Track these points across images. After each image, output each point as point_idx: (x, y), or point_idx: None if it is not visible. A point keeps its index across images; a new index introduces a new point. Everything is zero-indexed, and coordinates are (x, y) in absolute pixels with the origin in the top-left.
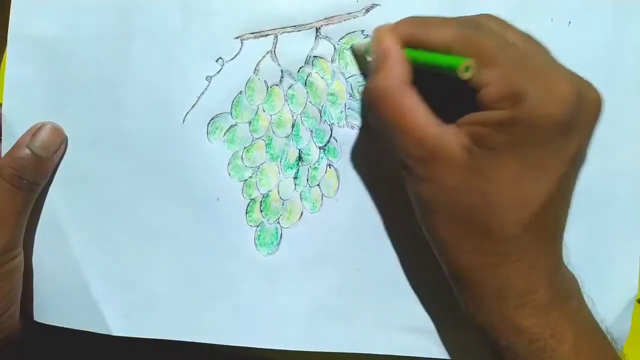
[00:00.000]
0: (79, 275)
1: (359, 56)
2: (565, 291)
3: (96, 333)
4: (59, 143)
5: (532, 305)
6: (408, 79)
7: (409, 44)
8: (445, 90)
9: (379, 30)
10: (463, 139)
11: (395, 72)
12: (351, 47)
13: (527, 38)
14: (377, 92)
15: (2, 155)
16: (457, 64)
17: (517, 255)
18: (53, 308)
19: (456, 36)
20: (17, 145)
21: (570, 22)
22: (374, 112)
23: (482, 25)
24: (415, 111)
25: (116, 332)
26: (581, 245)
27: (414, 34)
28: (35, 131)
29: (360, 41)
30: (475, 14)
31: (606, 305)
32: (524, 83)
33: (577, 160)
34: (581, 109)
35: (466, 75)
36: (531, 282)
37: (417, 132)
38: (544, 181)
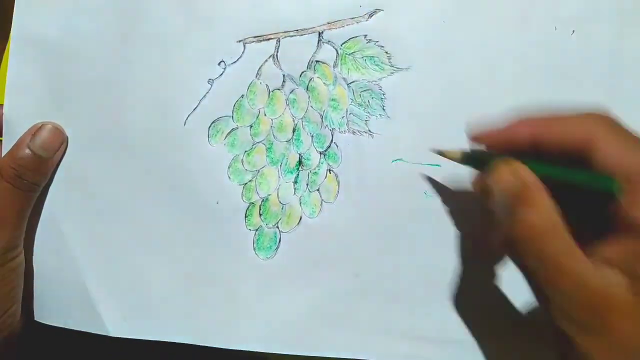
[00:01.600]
0: (78, 276)
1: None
2: None
3: (95, 334)
4: (60, 143)
5: None
6: (559, 219)
7: (534, 144)
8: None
9: (507, 162)
10: (623, 279)
11: (552, 208)
12: (438, 151)
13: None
14: (536, 230)
15: (3, 155)
16: (608, 184)
17: None
18: (53, 308)
19: (599, 134)
20: (17, 145)
21: (574, 31)
22: (526, 253)
23: (614, 123)
24: (573, 256)
25: (114, 333)
26: None
27: (544, 132)
28: (35, 131)
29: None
30: (478, 20)
31: None
32: None
33: None
34: None
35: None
36: None
37: (579, 277)
38: None
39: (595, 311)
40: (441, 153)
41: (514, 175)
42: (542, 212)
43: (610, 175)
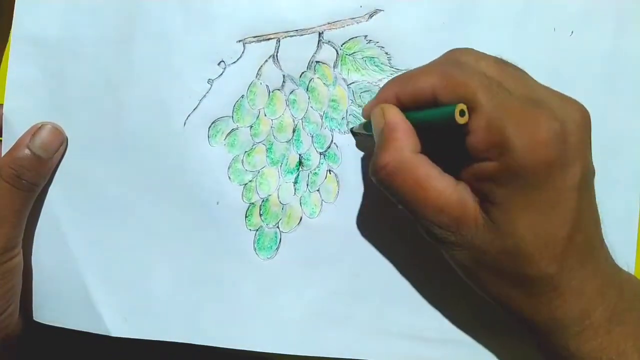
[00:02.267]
0: (78, 276)
1: (361, 134)
2: (627, 302)
3: (95, 334)
4: (59, 144)
5: (591, 328)
6: (419, 149)
7: (401, 102)
8: (440, 141)
9: (378, 107)
10: (473, 198)
11: (408, 144)
12: (351, 130)
13: (502, 66)
14: (391, 166)
15: (2, 155)
16: (452, 111)
17: (563, 287)
18: (53, 308)
19: (441, 80)
20: (17, 145)
21: (572, 32)
22: (388, 187)
23: (462, 63)
24: (433, 178)
25: (115, 333)
26: None
27: (402, 91)
28: (35, 131)
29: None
30: (478, 21)
31: None
32: (507, 129)
33: (583, 181)
34: (569, 139)
35: (463, 120)
36: (584, 307)
37: (439, 200)
38: (560, 215)
39: (454, 218)
40: (352, 131)
41: (381, 116)
42: (400, 148)
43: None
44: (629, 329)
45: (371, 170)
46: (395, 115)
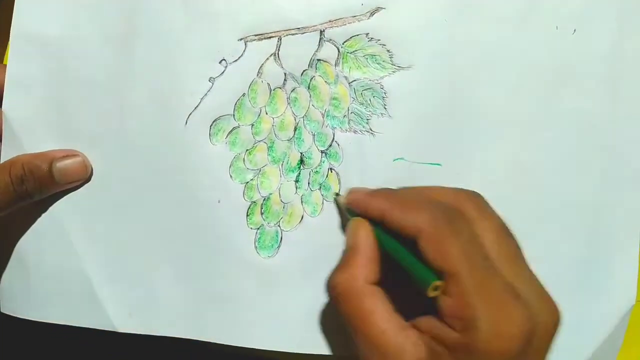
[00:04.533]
0: (83, 274)
1: (342, 210)
2: None
3: (100, 330)
4: (78, 178)
5: None
6: (374, 279)
7: (382, 220)
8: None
9: (353, 221)
10: (421, 351)
11: (362, 273)
12: (335, 200)
13: (502, 237)
14: (340, 289)
15: (2, 154)
16: (428, 281)
17: None
18: (58, 306)
19: (427, 230)
20: (43, 155)
21: (575, 30)
22: (335, 306)
23: (456, 217)
24: (377, 315)
25: (121, 328)
26: (579, 257)
27: (387, 214)
28: (67, 154)
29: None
30: (480, 18)
31: (604, 316)
32: (478, 309)
33: None
34: (534, 342)
35: (434, 293)
36: None
37: (377, 338)
38: None
39: None
40: (336, 200)
41: (351, 233)
42: (354, 274)
43: (432, 272)
44: None
45: (325, 284)
46: (363, 238)
